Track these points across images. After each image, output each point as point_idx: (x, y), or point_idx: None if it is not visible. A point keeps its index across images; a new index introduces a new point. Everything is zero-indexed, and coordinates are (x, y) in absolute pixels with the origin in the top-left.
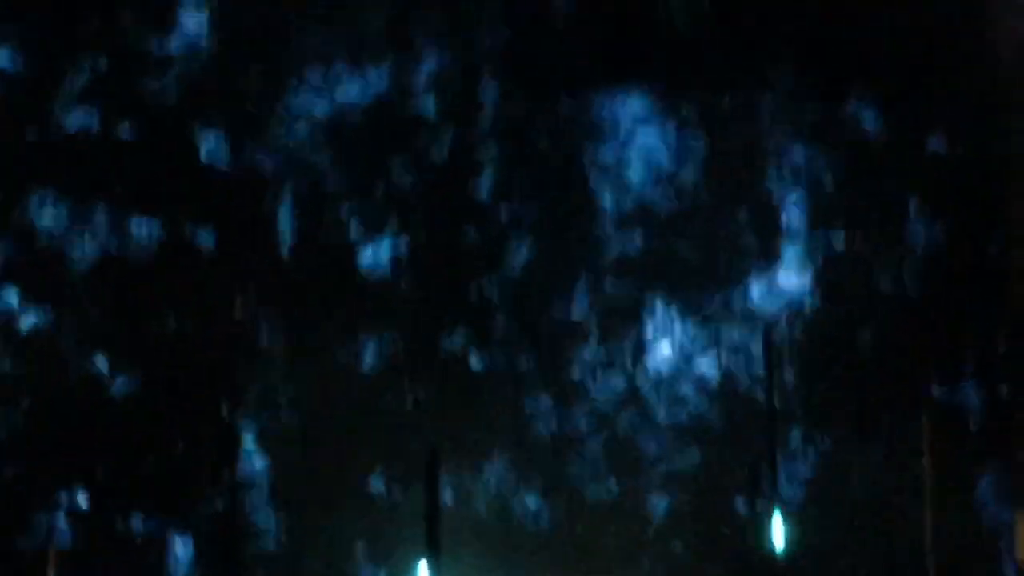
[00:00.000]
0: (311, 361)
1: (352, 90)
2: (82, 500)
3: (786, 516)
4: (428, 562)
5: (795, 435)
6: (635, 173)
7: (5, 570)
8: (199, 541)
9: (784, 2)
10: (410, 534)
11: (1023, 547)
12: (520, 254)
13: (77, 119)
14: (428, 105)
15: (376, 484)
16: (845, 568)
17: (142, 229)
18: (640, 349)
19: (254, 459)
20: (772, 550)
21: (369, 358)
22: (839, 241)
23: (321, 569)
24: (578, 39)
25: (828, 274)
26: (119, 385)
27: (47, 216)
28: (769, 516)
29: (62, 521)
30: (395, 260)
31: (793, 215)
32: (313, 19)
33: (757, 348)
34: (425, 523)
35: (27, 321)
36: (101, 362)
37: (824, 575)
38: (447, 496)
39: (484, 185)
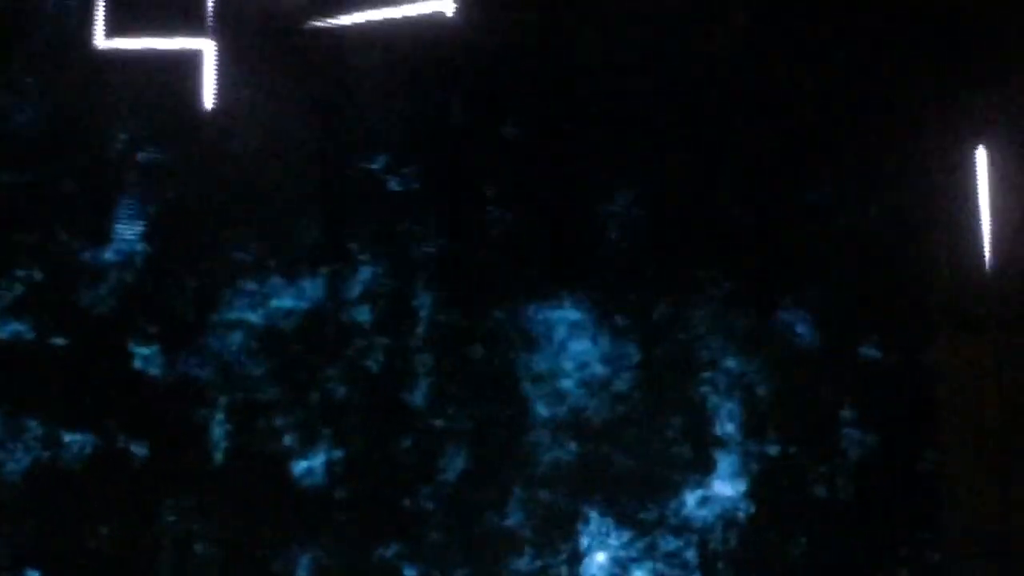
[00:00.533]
0: (245, 572)
1: (286, 299)
2: None
3: None
4: None
5: None
6: (569, 382)
7: None
8: None
9: (717, 214)
10: None
11: None
12: (455, 463)
13: (9, 329)
14: (363, 314)
15: None
16: None
17: (75, 439)
18: (575, 558)
19: None
20: None
21: (302, 571)
22: (773, 450)
23: None
24: (512, 249)
25: (762, 482)
26: None
27: None
28: None
29: None
30: (329, 470)
31: (727, 424)
32: (247, 229)
33: (692, 556)
34: None
35: None
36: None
37: None
38: None
39: (418, 395)
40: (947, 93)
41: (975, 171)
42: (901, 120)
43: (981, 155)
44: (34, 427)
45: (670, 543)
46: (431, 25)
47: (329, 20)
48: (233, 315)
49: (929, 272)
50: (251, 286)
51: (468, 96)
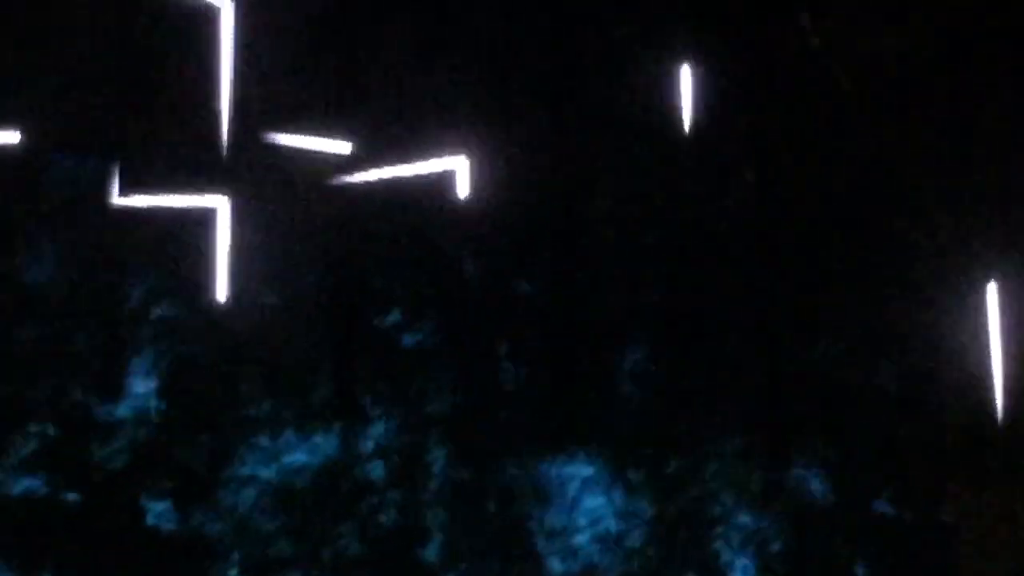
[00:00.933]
0: None
1: (299, 455)
2: None
3: None
4: None
5: None
6: (583, 537)
7: None
8: None
9: (730, 369)
10: None
11: None
12: None
13: (23, 485)
14: (376, 470)
15: None
16: None
17: None
18: None
19: None
20: None
21: None
22: None
23: None
24: (525, 404)
25: None
26: None
27: None
28: None
29: None
30: None
31: None
32: (261, 384)
33: None
34: None
35: None
36: None
37: None
38: None
39: (432, 550)
40: (958, 236)
41: (986, 312)
42: (910, 268)
43: (992, 292)
44: None
45: None
46: (444, 183)
47: (343, 178)
48: (246, 471)
49: (942, 425)
50: (264, 442)
51: (480, 252)
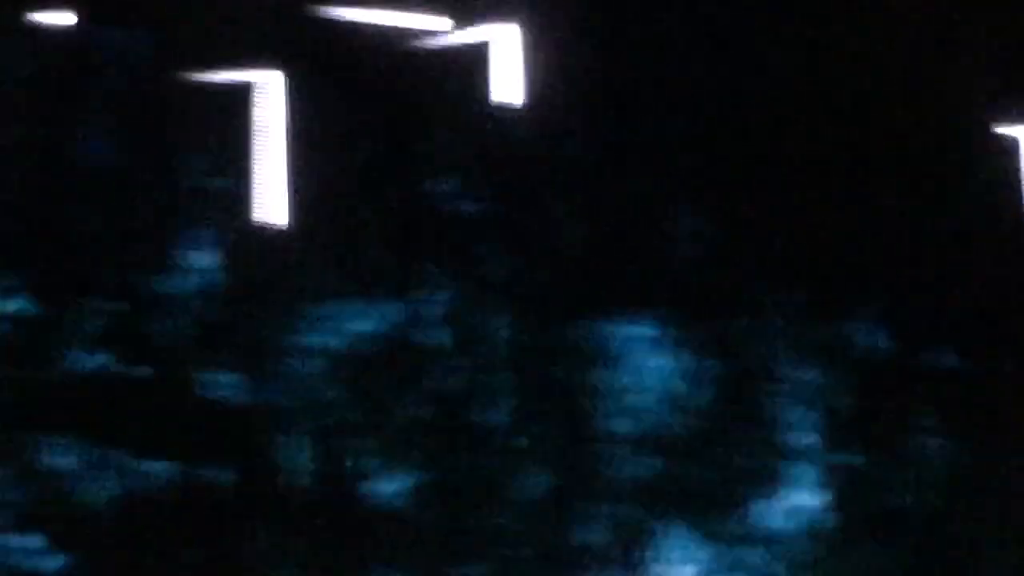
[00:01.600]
0: None
1: (366, 323)
2: None
3: None
4: None
5: None
6: (648, 397)
7: None
8: None
9: (787, 227)
10: None
11: None
12: (537, 481)
13: (94, 361)
14: (442, 336)
15: None
16: None
17: (157, 468)
18: (659, 574)
19: None
20: None
21: None
22: (854, 460)
23: None
24: (587, 268)
25: (846, 493)
26: None
27: (63, 458)
28: None
29: None
30: (412, 493)
31: (807, 436)
32: (324, 256)
33: (779, 569)
34: None
35: (49, 564)
36: None
37: None
38: None
39: (500, 415)
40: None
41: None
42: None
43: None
44: (118, 457)
45: (755, 556)
46: (497, 47)
47: (398, 45)
48: (312, 340)
49: (1002, 274)
50: (329, 311)
51: (534, 117)
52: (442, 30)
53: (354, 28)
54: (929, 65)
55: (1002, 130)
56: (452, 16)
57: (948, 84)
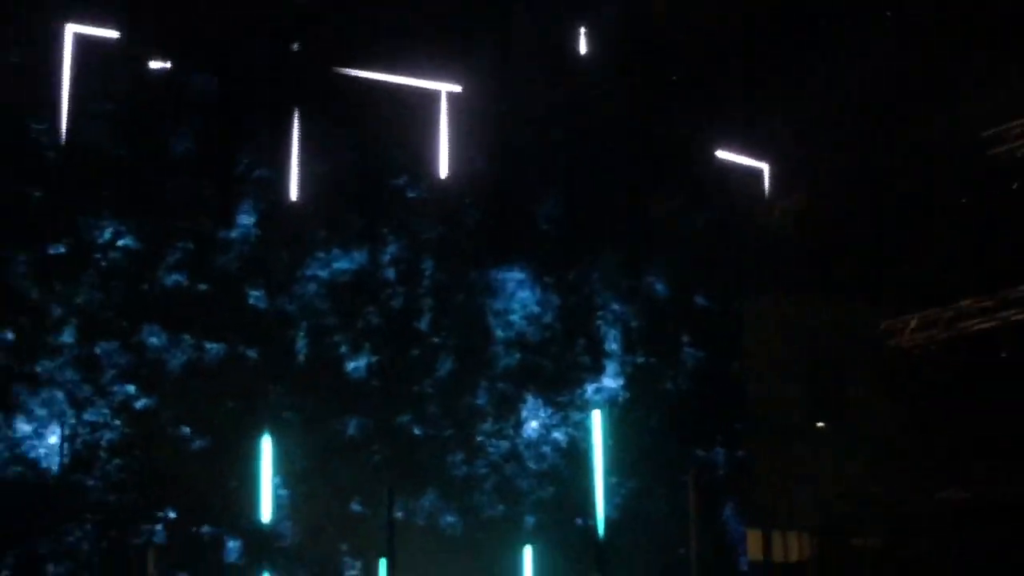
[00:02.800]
0: (314, 434)
1: (344, 264)
2: None
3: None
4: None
5: (613, 477)
6: (516, 316)
7: None
8: None
9: (611, 215)
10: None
11: (752, 550)
12: (447, 364)
13: (171, 279)
14: (390, 274)
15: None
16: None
17: (212, 346)
18: (518, 424)
19: None
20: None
21: (351, 430)
22: (640, 360)
23: None
24: (482, 235)
25: (633, 380)
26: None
27: (154, 338)
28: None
29: None
30: (369, 368)
31: (612, 344)
32: (318, 224)
33: (589, 422)
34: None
35: (141, 403)
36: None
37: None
38: (398, 514)
39: (424, 323)
40: None
41: None
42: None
43: None
44: (187, 339)
45: (578, 416)
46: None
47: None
48: (311, 271)
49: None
50: (322, 255)
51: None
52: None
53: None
54: None
55: None
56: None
57: None
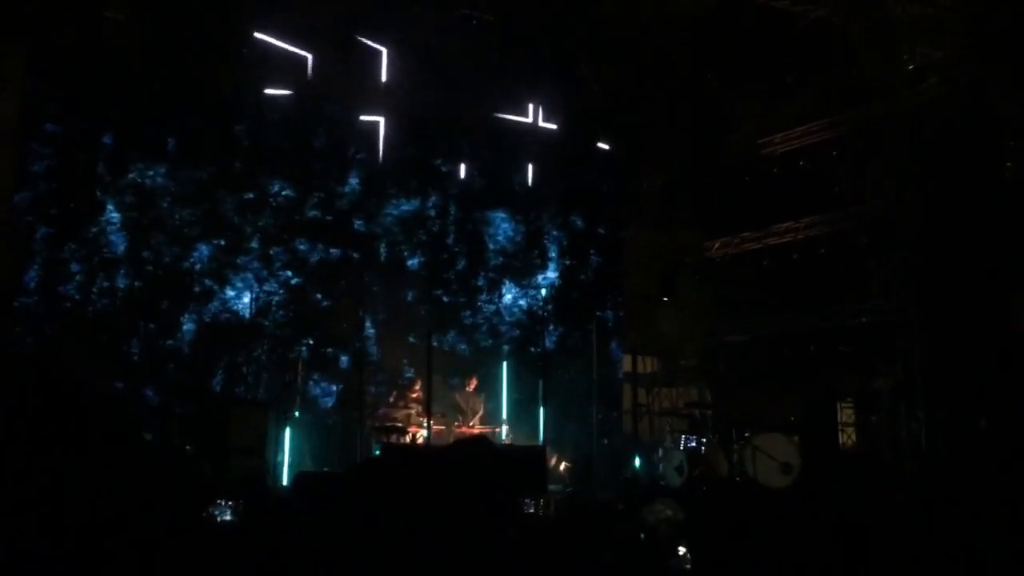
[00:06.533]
0: (389, 299)
1: (406, 207)
2: None
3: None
4: None
5: (551, 326)
6: (501, 238)
7: None
8: None
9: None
10: None
11: (626, 367)
12: (461, 263)
13: (311, 214)
14: (431, 212)
15: None
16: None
17: (336, 252)
18: (500, 296)
19: None
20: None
21: (408, 297)
22: (566, 263)
23: None
24: (488, 197)
25: (562, 275)
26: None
27: (303, 246)
28: (544, 353)
29: None
30: (420, 264)
31: (552, 254)
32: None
33: (540, 298)
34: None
35: (294, 281)
36: (317, 296)
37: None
38: (434, 343)
39: (450, 240)
40: None
41: None
42: None
43: None
44: (320, 247)
45: (532, 292)
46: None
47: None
48: (388, 210)
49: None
50: (393, 201)
51: None
52: None
53: None
54: None
55: None
56: None
57: None
